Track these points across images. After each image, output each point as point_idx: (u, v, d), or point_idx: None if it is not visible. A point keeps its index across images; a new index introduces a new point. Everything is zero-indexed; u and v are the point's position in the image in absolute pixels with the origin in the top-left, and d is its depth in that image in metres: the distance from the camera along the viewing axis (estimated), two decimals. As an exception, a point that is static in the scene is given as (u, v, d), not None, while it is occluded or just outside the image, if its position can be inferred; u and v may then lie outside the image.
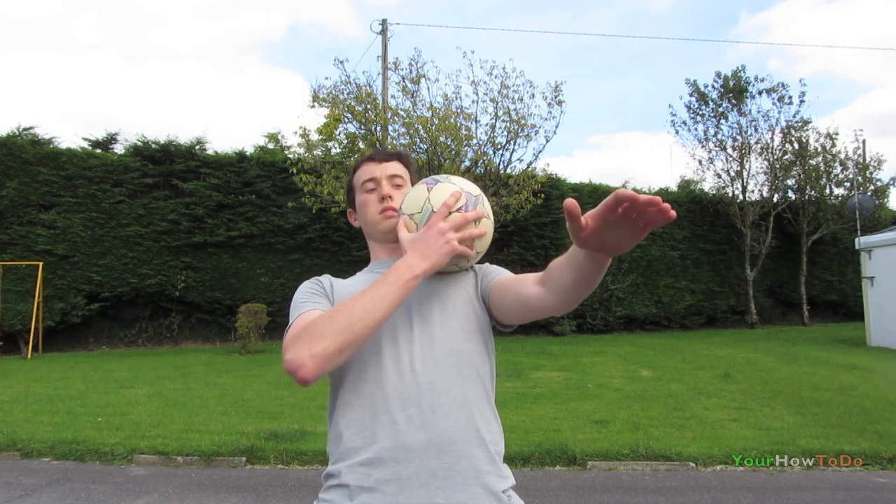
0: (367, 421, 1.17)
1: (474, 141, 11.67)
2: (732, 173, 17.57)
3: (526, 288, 1.21)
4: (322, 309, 1.23)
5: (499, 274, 1.34)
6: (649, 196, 0.87)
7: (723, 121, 17.51)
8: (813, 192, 17.85)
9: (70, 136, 35.36)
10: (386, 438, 1.14)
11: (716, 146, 17.66)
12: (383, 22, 15.51)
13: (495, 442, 1.22)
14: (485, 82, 11.77)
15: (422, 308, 1.26)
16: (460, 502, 1.13)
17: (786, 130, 17.44)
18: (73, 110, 49.61)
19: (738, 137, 17.48)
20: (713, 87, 17.52)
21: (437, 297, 1.28)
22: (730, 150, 17.62)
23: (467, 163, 11.78)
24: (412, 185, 1.43)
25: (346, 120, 11.97)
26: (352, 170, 1.50)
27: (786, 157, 17.63)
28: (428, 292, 1.28)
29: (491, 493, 1.16)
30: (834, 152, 17.92)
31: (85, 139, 14.22)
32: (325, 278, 1.38)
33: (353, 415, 1.19)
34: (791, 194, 18.10)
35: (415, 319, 1.25)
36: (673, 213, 0.89)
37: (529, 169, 12.18)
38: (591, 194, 16.18)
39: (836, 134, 17.99)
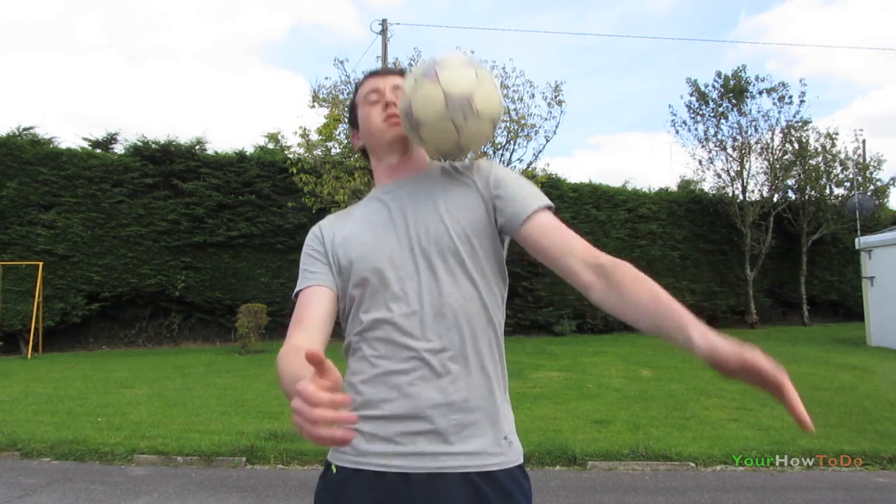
0: None
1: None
2: (732, 173, 17.57)
3: (572, 262, 1.14)
4: (318, 284, 1.27)
5: (525, 207, 1.22)
6: (800, 413, 0.86)
7: (723, 121, 17.52)
8: (813, 192, 17.85)
9: (71, 136, 35.39)
10: None
11: (716, 146, 17.68)
12: (383, 22, 15.51)
13: None
14: (485, 82, 11.76)
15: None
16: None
17: (786, 130, 17.45)
18: (75, 111, 49.71)
19: (738, 137, 17.49)
20: (713, 86, 17.53)
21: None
22: (730, 150, 17.63)
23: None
24: None
25: (346, 120, 11.97)
26: (353, 89, 1.44)
27: (786, 157, 17.63)
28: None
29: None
30: (834, 152, 17.92)
31: (85, 139, 14.22)
32: (325, 228, 1.35)
33: None
34: (791, 194, 18.10)
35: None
36: (810, 427, 0.87)
37: (529, 169, 12.19)
38: (591, 194, 16.19)
39: (836, 134, 18.01)
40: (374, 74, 1.39)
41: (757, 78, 17.40)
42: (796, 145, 17.62)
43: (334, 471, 1.21)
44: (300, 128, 11.98)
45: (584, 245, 1.17)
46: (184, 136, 18.15)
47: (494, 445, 1.18)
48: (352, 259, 1.25)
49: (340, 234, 1.30)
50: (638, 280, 1.14)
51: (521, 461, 1.22)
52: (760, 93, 17.37)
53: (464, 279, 1.20)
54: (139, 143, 13.32)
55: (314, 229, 1.36)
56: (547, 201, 1.24)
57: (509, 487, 1.17)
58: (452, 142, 1.21)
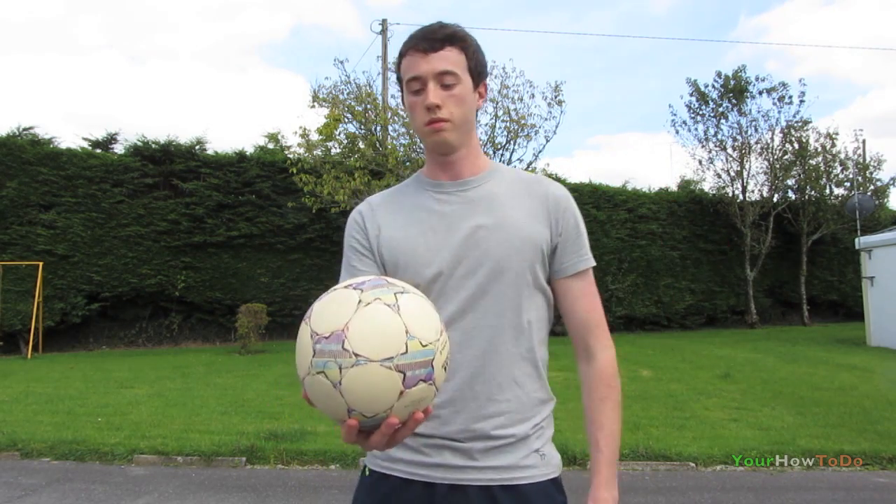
0: None
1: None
2: (732, 173, 17.57)
3: (583, 333, 1.25)
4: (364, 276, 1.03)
5: (583, 261, 1.24)
6: None
7: (723, 121, 17.51)
8: (813, 192, 17.83)
9: (71, 136, 35.37)
10: None
11: (716, 146, 17.66)
12: (383, 22, 15.51)
13: None
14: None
15: None
16: None
17: (786, 130, 17.44)
18: (76, 111, 49.71)
19: (738, 137, 17.47)
20: (713, 86, 17.53)
21: None
22: (730, 150, 17.62)
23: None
24: (471, 74, 1.16)
25: (346, 120, 11.97)
26: (398, 54, 1.23)
27: (786, 157, 17.62)
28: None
29: None
30: (834, 152, 17.91)
31: (85, 139, 14.23)
32: (367, 219, 1.23)
33: None
34: (791, 194, 18.08)
35: None
36: None
37: (529, 169, 12.18)
38: (591, 194, 16.18)
39: (836, 134, 17.99)
40: (415, 48, 1.15)
41: (757, 78, 17.41)
42: (796, 145, 17.61)
43: (367, 473, 1.24)
44: (300, 128, 11.98)
45: (600, 320, 1.25)
46: (184, 137, 18.17)
47: (524, 459, 1.17)
48: (398, 264, 1.19)
49: (387, 231, 1.21)
50: (606, 399, 1.23)
51: (555, 474, 1.19)
52: (760, 93, 17.37)
53: (509, 298, 1.17)
54: (139, 143, 13.32)
55: (355, 216, 1.26)
56: (593, 261, 1.27)
57: (537, 501, 1.15)
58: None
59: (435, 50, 1.14)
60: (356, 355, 0.81)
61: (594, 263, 1.26)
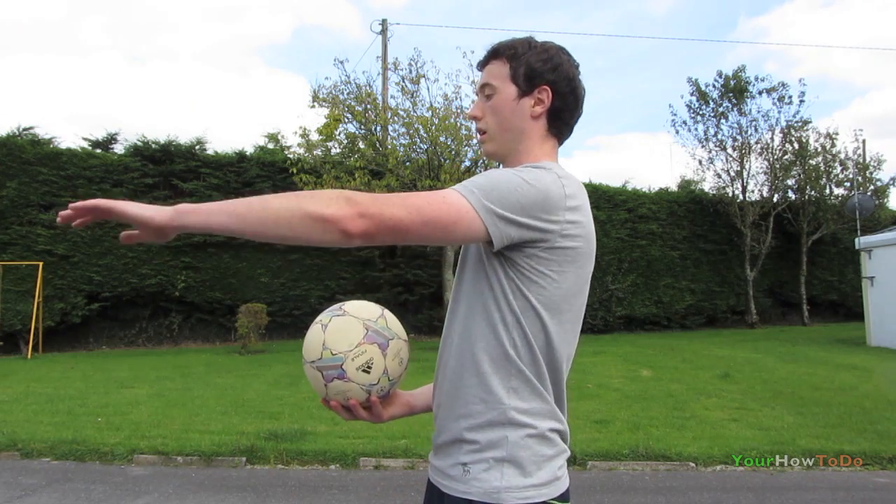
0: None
1: (474, 141, 11.67)
2: (732, 173, 17.57)
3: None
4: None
5: None
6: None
7: (723, 121, 17.52)
8: (813, 192, 17.83)
9: (72, 137, 35.39)
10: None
11: (716, 146, 17.67)
12: (383, 22, 15.52)
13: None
14: (485, 82, 11.75)
15: None
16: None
17: (786, 130, 17.44)
18: (77, 111, 49.69)
19: (738, 137, 17.49)
20: (714, 86, 17.53)
21: None
22: (730, 150, 17.63)
23: (467, 163, 11.78)
24: (515, 82, 1.19)
25: (346, 120, 11.97)
26: None
27: (786, 157, 17.63)
28: None
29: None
30: (834, 152, 17.92)
31: (85, 139, 14.18)
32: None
33: None
34: (791, 194, 18.08)
35: None
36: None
37: (529, 169, 12.16)
38: (591, 194, 15.92)
39: (836, 134, 18.00)
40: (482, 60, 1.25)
41: (757, 78, 17.43)
42: (796, 145, 17.61)
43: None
44: (300, 128, 11.98)
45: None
46: (184, 137, 18.15)
47: (451, 468, 1.14)
48: None
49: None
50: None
51: (475, 499, 1.08)
52: (760, 93, 17.38)
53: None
54: (139, 144, 13.32)
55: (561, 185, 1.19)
56: None
57: None
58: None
59: (482, 66, 1.23)
60: (303, 356, 1.23)
61: None
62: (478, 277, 1.13)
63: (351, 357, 1.16)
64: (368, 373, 1.17)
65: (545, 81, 1.19)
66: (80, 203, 1.04)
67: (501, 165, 1.25)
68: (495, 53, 1.21)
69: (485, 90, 1.21)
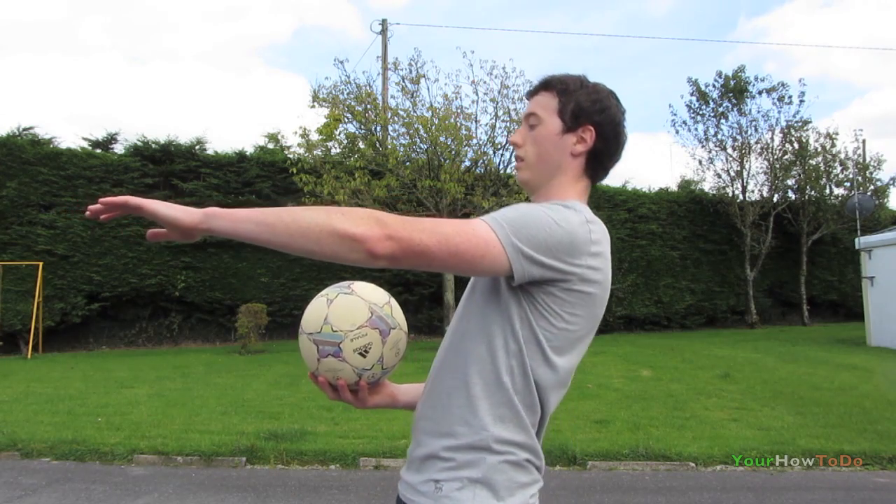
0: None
1: (474, 141, 11.67)
2: (732, 173, 17.57)
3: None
4: None
5: None
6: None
7: (723, 121, 17.52)
8: (813, 192, 17.84)
9: (73, 136, 35.38)
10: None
11: (716, 146, 17.68)
12: (383, 22, 15.52)
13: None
14: (485, 82, 11.80)
15: None
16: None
17: (786, 130, 17.45)
18: (77, 111, 49.68)
19: (738, 137, 17.49)
20: (714, 86, 17.53)
21: None
22: (730, 150, 17.63)
23: (467, 163, 11.78)
24: (561, 117, 1.20)
25: (346, 120, 11.97)
26: None
27: (786, 157, 17.63)
28: None
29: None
30: (834, 152, 17.92)
31: (85, 139, 14.19)
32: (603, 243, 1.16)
33: None
34: (791, 194, 18.09)
35: None
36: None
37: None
38: (591, 194, 16.13)
39: (836, 134, 18.01)
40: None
41: (757, 78, 17.44)
42: (796, 145, 17.62)
43: None
44: (300, 128, 11.98)
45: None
46: (184, 137, 18.15)
47: (423, 484, 1.12)
48: None
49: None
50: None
51: None
52: (760, 93, 17.39)
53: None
54: (139, 143, 13.32)
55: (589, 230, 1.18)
56: None
57: None
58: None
59: (530, 96, 1.25)
60: (301, 325, 1.19)
61: None
62: (489, 300, 1.13)
63: (350, 337, 1.13)
64: (364, 357, 1.15)
65: (591, 122, 1.20)
66: (110, 198, 1.05)
67: (531, 198, 1.25)
68: (546, 85, 1.22)
69: (530, 119, 1.22)
